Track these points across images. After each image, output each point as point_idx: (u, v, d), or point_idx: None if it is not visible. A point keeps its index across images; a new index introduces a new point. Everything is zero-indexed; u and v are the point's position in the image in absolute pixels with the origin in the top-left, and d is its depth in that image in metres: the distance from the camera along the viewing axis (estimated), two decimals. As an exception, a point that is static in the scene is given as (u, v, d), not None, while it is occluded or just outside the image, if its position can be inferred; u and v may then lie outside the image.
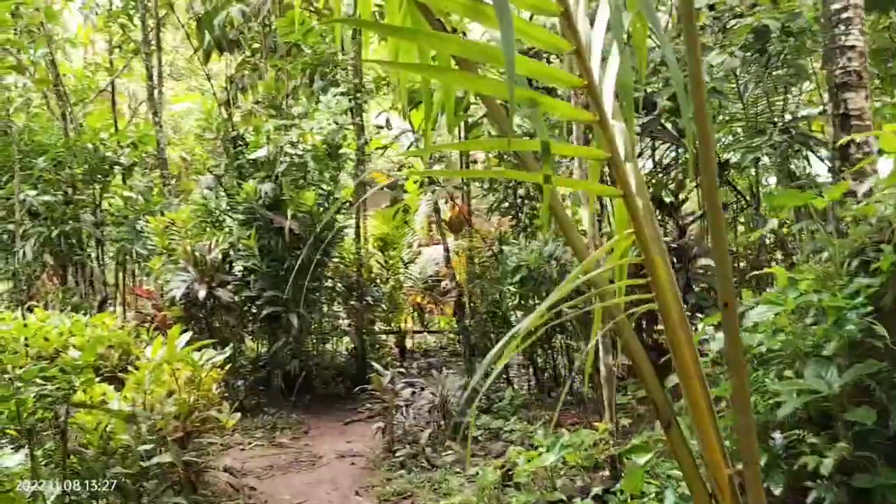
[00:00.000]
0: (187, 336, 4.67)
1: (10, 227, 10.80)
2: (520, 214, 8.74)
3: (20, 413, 3.43)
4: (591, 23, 1.97)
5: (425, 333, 13.43)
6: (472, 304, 9.54)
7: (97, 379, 5.57)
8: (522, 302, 8.83)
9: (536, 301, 8.75)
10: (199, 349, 5.07)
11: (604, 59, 1.93)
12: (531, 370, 9.37)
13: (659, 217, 9.00)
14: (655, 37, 1.81)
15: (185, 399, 4.41)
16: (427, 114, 2.42)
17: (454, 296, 8.86)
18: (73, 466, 3.73)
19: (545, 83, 1.75)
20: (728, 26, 6.66)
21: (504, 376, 9.27)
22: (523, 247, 7.50)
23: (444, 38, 1.67)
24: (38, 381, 3.69)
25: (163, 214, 9.21)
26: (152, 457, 3.85)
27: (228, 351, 5.16)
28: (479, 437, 7.37)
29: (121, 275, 11.44)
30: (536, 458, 4.89)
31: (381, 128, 8.73)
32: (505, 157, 8.63)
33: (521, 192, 8.88)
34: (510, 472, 5.48)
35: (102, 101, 13.24)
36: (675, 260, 8.76)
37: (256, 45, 11.63)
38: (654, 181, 9.05)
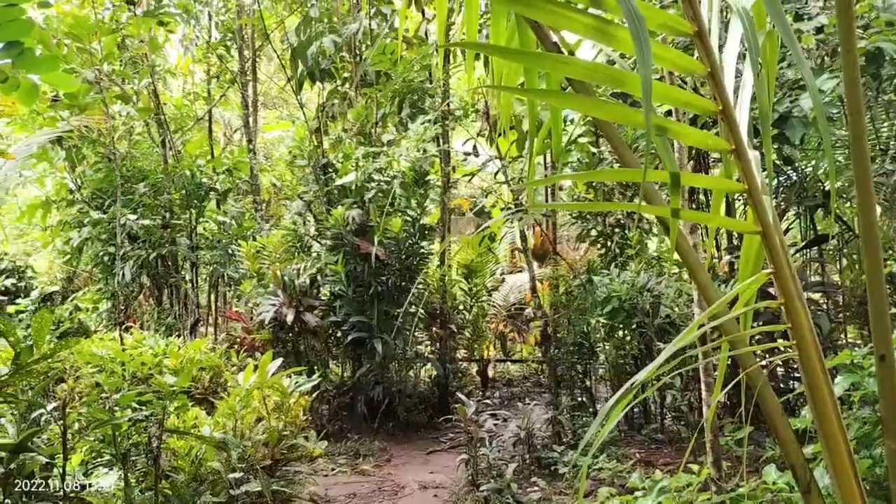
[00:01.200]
0: (278, 362, 4.67)
1: (112, 249, 11.32)
2: (609, 243, 8.48)
3: (115, 436, 3.48)
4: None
5: (507, 363, 13.21)
6: (557, 335, 9.29)
7: (190, 402, 5.67)
8: (611, 334, 8.54)
9: (626, 332, 8.45)
10: (288, 375, 5.08)
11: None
12: (619, 405, 9.00)
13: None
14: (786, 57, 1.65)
15: (273, 427, 4.39)
16: (532, 141, 2.30)
17: (539, 325, 8.65)
18: (165, 491, 3.75)
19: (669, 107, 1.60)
20: (838, 50, 6.27)
21: (590, 410, 8.95)
22: (614, 277, 7.24)
23: (570, 62, 1.54)
24: (134, 405, 3.73)
25: (254, 239, 9.44)
26: (241, 485, 3.83)
27: (317, 378, 5.14)
28: (566, 475, 7.09)
29: (213, 297, 11.78)
30: (632, 503, 4.62)
31: (469, 154, 8.68)
32: (595, 185, 8.41)
33: (610, 220, 8.63)
34: (602, 515, 5.21)
35: (200, 129, 13.79)
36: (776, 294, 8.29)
37: (347, 75, 11.88)
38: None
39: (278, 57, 11.34)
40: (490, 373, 12.05)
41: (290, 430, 4.84)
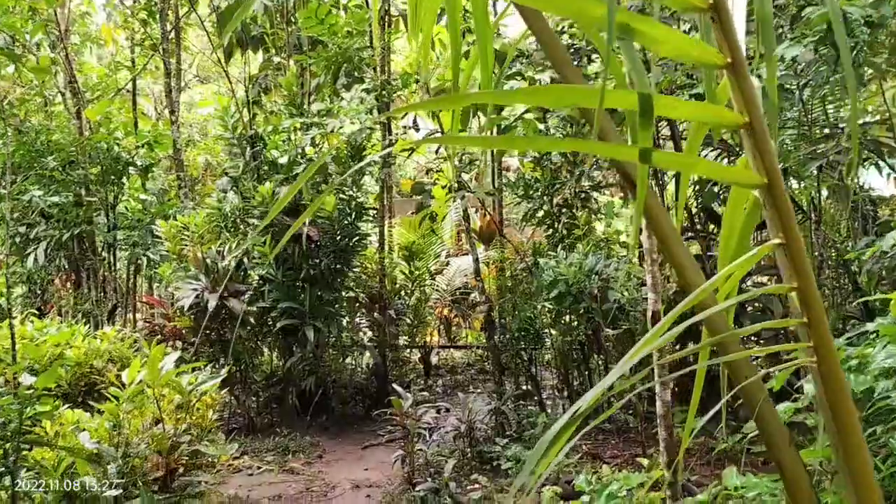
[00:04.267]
0: (174, 356, 4.04)
1: (23, 229, 10.38)
2: (556, 224, 8.02)
3: (-44, 451, 2.82)
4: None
5: (451, 349, 12.72)
6: (502, 320, 8.83)
7: (78, 401, 4.98)
8: (557, 319, 8.10)
9: (572, 318, 8.03)
10: (193, 369, 4.45)
11: None
12: (566, 393, 8.61)
13: (713, 230, 8.22)
14: None
15: (164, 434, 3.77)
16: (463, 110, 1.75)
17: (483, 310, 8.16)
18: (26, 514, 3.11)
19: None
20: (803, 15, 5.88)
21: (535, 399, 8.52)
22: (561, 259, 6.77)
23: None
24: (-10, 409, 3.07)
25: (176, 218, 8.67)
26: (121, 503, 3.21)
27: (224, 373, 4.52)
28: (510, 471, 6.63)
29: (133, 281, 10.94)
30: (578, 510, 4.16)
31: (409, 128, 8.08)
32: (542, 162, 7.93)
33: (557, 200, 8.17)
34: (546, 520, 4.76)
35: (123, 101, 12.84)
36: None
37: (281, 44, 11.12)
38: (704, 190, 8.28)
39: (203, 22, 10.49)
40: (434, 360, 11.55)
41: (194, 433, 4.21)
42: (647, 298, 6.53)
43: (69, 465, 3.29)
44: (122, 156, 9.72)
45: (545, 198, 7.95)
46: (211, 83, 20.37)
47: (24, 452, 3.18)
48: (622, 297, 6.41)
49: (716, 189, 8.24)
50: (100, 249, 10.80)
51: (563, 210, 8.03)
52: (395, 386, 6.98)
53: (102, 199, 9.74)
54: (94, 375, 6.49)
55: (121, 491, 3.18)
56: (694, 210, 8.12)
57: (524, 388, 8.55)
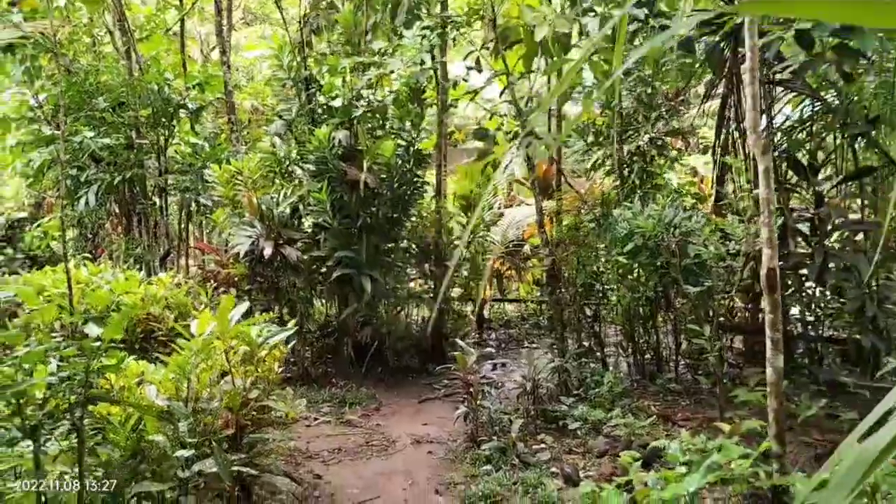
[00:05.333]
0: (243, 306, 3.76)
1: (74, 171, 10.24)
2: (630, 174, 7.54)
3: (20, 404, 2.59)
4: None
5: (504, 303, 12.42)
6: (564, 274, 8.45)
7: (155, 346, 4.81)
8: (624, 275, 7.69)
9: (641, 273, 7.61)
10: (256, 323, 4.18)
11: None
12: (630, 351, 8.24)
13: (794, 181, 7.65)
14: None
15: (235, 390, 3.52)
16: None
17: (547, 263, 7.78)
18: (94, 473, 2.89)
19: None
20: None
21: (599, 356, 8.19)
22: (637, 211, 6.33)
23: None
24: (55, 362, 2.83)
25: (229, 163, 8.41)
26: (193, 463, 2.97)
27: (293, 327, 4.24)
28: (578, 431, 6.34)
29: (185, 226, 10.79)
30: (674, 482, 3.82)
31: (471, 69, 7.60)
32: (615, 104, 7.41)
33: (630, 147, 7.67)
34: (630, 489, 4.44)
35: (171, 43, 12.53)
36: (809, 232, 7.44)
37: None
38: (788, 139, 7.70)
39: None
40: (485, 313, 11.26)
41: (261, 387, 3.97)
42: (732, 253, 6.10)
43: (137, 421, 3.07)
44: (173, 97, 9.44)
45: (616, 145, 7.45)
46: (256, 26, 19.97)
47: (91, 408, 2.96)
48: (704, 252, 5.96)
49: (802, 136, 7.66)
50: (151, 194, 10.65)
51: (635, 158, 7.53)
52: (457, 340, 6.68)
53: (153, 142, 9.51)
54: (151, 322, 6.33)
55: (192, 452, 2.95)
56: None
57: (585, 344, 8.20)
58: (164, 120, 9.65)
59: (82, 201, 10.18)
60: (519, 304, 12.57)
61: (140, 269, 10.26)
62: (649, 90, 7.22)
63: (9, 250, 16.04)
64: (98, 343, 2.70)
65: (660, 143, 7.29)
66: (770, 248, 3.60)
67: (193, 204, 10.33)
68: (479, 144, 14.67)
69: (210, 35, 16.61)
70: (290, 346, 8.20)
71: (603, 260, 7.51)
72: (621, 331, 8.26)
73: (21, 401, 2.60)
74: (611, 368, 8.16)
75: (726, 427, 5.27)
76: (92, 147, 8.93)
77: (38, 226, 14.39)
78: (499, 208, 11.91)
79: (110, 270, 7.07)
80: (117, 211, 11.26)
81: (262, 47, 15.92)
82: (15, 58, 10.08)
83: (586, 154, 7.98)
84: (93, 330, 2.75)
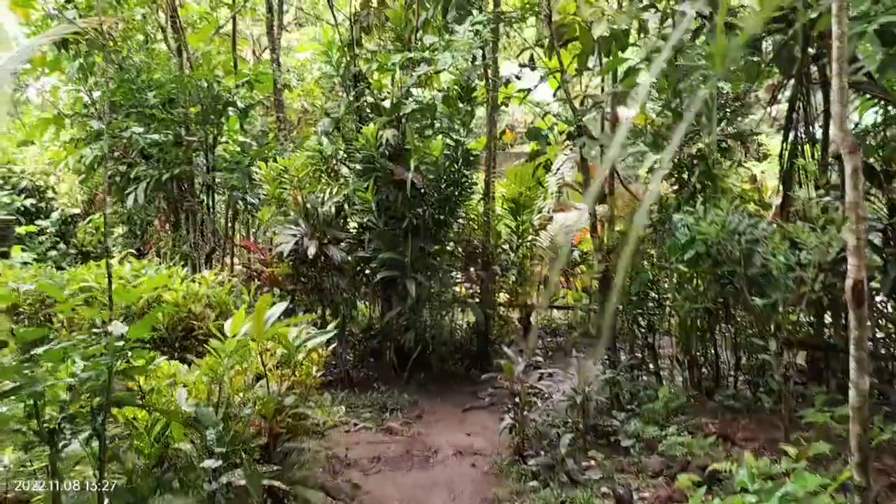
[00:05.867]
0: (282, 306, 3.55)
1: (123, 168, 10.29)
2: (690, 177, 7.14)
3: (37, 406, 2.40)
4: None
5: (551, 310, 12.06)
6: (618, 282, 8.07)
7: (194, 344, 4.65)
8: (683, 283, 7.29)
9: (700, 282, 7.20)
10: (296, 324, 3.97)
11: None
12: (686, 364, 7.81)
13: (867, 188, 7.15)
14: None
15: (269, 397, 3.30)
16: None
17: (599, 270, 7.43)
18: (116, 480, 2.70)
19: None
20: None
21: (652, 369, 7.79)
22: (700, 216, 5.94)
23: None
24: (79, 362, 2.64)
25: (275, 161, 8.29)
26: (221, 475, 2.76)
27: (334, 329, 4.02)
28: (631, 449, 5.98)
29: (231, 225, 10.74)
30: (744, 512, 3.46)
31: (524, 66, 7.32)
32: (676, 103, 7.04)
33: (690, 150, 7.28)
34: (690, 516, 4.10)
35: (223, 42, 12.55)
36: (881, 243, 6.92)
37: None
38: (861, 143, 7.18)
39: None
40: (532, 320, 10.92)
41: (298, 392, 3.75)
42: (802, 264, 5.68)
43: (164, 426, 2.88)
44: (222, 95, 9.38)
45: (676, 147, 7.06)
46: (309, 28, 20.00)
47: (115, 411, 2.77)
48: (771, 262, 5.54)
49: None
50: (198, 191, 10.64)
51: (697, 162, 7.13)
52: (504, 348, 6.39)
53: (201, 140, 9.46)
54: (192, 320, 6.21)
55: (220, 462, 2.73)
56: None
57: (638, 356, 7.81)
58: (212, 117, 9.61)
59: (131, 198, 10.21)
60: (566, 312, 12.19)
61: (186, 267, 10.27)
62: (713, 90, 6.82)
63: (62, 245, 16.33)
64: (121, 343, 2.50)
65: (724, 145, 6.88)
66: (857, 258, 3.23)
67: (240, 202, 10.28)
68: (527, 148, 14.38)
69: (262, 37, 16.66)
70: (331, 348, 8.06)
71: (658, 268, 7.11)
72: (676, 343, 7.83)
73: (39, 402, 2.42)
74: (665, 382, 7.76)
75: (793, 450, 4.87)
76: (141, 143, 8.91)
77: (90, 222, 14.59)
78: (548, 212, 11.56)
79: (154, 267, 6.99)
80: (165, 208, 11.30)
81: (313, 48, 15.90)
82: (69, 54, 10.19)
83: (643, 157, 7.59)
84: (118, 328, 2.56)
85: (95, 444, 2.64)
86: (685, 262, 6.23)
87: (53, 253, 15.81)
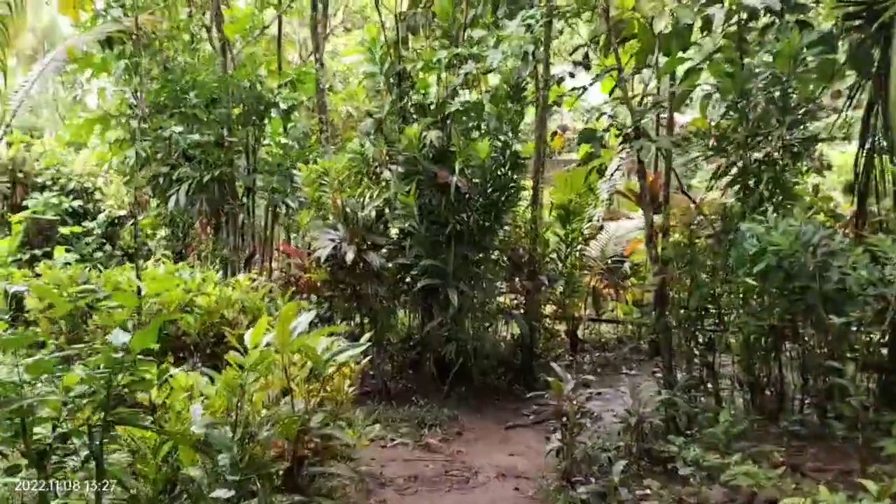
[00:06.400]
0: (309, 315, 3.21)
1: (165, 169, 10.16)
2: (758, 184, 6.62)
3: (24, 424, 2.09)
4: None
5: (599, 323, 11.54)
6: (675, 296, 7.57)
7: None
8: (747, 299, 6.76)
9: (765, 298, 6.65)
10: (329, 334, 3.62)
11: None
12: (748, 386, 7.25)
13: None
14: None
15: (292, 418, 2.94)
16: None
17: (655, 282, 6.93)
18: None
19: None
20: None
21: (712, 390, 7.25)
22: (772, 225, 5.43)
23: None
24: (82, 373, 2.32)
25: (316, 163, 8.01)
26: (234, 507, 2.41)
27: (365, 343, 3.65)
28: (690, 478, 5.48)
29: (271, 229, 10.53)
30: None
31: (579, 64, 6.89)
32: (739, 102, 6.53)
33: (758, 155, 6.75)
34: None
35: (268, 43, 12.41)
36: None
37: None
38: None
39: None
40: (579, 333, 10.43)
41: (328, 409, 3.39)
42: (885, 280, 5.12)
43: (172, 448, 2.56)
44: (265, 95, 9.17)
45: (741, 151, 6.55)
46: (356, 32, 19.86)
47: (120, 429, 2.45)
48: (853, 277, 5.01)
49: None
50: (240, 194, 10.46)
51: (764, 167, 6.59)
52: (552, 364, 5.95)
53: (241, 140, 9.26)
54: (224, 326, 5.93)
55: (233, 492, 2.39)
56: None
57: (695, 375, 7.28)
58: (254, 118, 9.41)
59: (172, 200, 10.06)
60: (616, 325, 11.66)
61: (225, 270, 10.07)
62: (784, 90, 6.29)
63: (108, 247, 16.41)
64: (122, 354, 2.17)
65: (795, 149, 6.33)
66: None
67: (281, 205, 10.05)
68: (574, 156, 13.88)
69: (309, 40, 16.55)
70: (368, 358, 7.74)
71: (722, 281, 6.59)
72: (738, 362, 7.28)
73: (26, 420, 2.11)
74: (725, 404, 7.22)
75: (872, 485, 4.34)
76: (181, 144, 8.74)
77: (134, 223, 14.59)
78: (598, 221, 11.07)
79: (188, 269, 6.75)
80: (207, 210, 11.15)
81: (359, 51, 15.71)
82: (114, 54, 10.12)
83: (706, 162, 7.10)
84: (119, 337, 2.23)
85: (93, 465, 2.31)
86: (753, 276, 5.72)
87: (99, 254, 15.86)
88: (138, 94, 10.88)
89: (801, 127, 6.45)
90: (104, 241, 16.50)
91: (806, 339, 6.88)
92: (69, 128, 14.32)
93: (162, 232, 12.84)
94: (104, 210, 17.20)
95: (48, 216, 13.76)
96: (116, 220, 16.64)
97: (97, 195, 17.51)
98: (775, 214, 5.63)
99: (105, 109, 12.09)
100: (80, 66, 11.08)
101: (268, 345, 2.94)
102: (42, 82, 10.00)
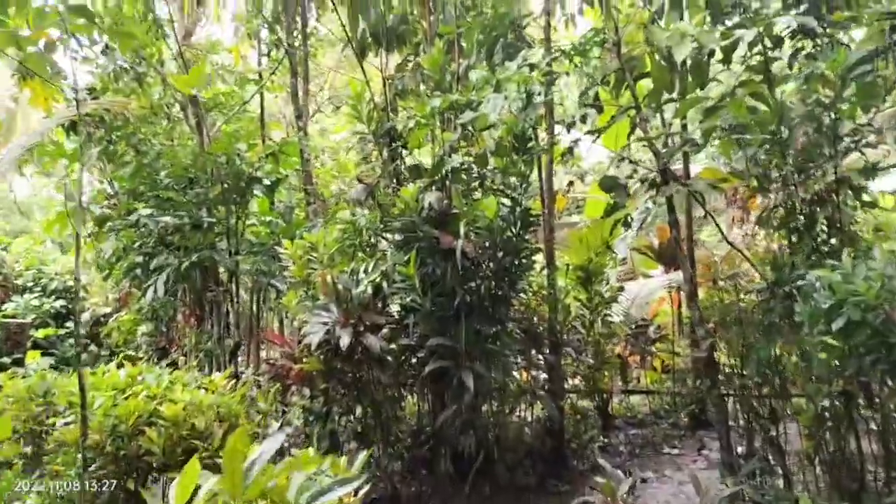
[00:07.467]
0: (273, 443, 2.21)
1: (140, 259, 9.28)
2: (805, 227, 5.71)
3: None
4: None
5: (629, 395, 10.44)
6: (718, 362, 6.57)
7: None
8: (829, 363, 5.73)
9: (832, 363, 5.63)
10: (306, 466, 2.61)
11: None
12: (818, 462, 6.15)
13: None
14: None
15: None
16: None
17: (704, 348, 5.94)
18: None
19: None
20: None
21: (780, 471, 6.15)
22: (849, 272, 4.48)
23: None
24: None
25: (302, 237, 7.13)
26: None
27: (361, 461, 2.63)
28: None
29: (257, 315, 9.56)
30: None
31: (588, 106, 6.10)
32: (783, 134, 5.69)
33: (803, 194, 5.86)
34: None
35: (251, 120, 11.73)
36: None
37: (418, 39, 9.55)
38: None
39: (334, 9, 9.09)
40: (609, 408, 9.32)
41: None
42: None
43: None
44: (245, 170, 8.37)
45: (791, 188, 5.67)
46: (345, 109, 19.41)
47: None
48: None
49: None
50: (226, 280, 9.55)
51: (816, 208, 5.70)
52: (600, 461, 4.89)
53: (220, 220, 8.41)
54: (196, 440, 4.90)
55: None
56: None
57: (763, 456, 6.19)
58: (235, 196, 8.58)
59: (150, 291, 9.14)
60: (645, 397, 10.55)
61: (210, 366, 9.05)
62: (835, 116, 5.46)
63: (93, 347, 15.44)
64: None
65: (855, 183, 5.45)
66: None
67: (268, 288, 9.13)
68: (576, 219, 13.04)
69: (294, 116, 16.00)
70: (373, 457, 6.60)
71: (788, 342, 5.60)
72: (807, 435, 6.20)
73: None
74: (793, 485, 6.11)
75: None
76: (151, 228, 7.88)
77: (115, 320, 13.64)
78: (618, 280, 10.14)
79: (155, 372, 5.75)
80: (190, 300, 10.22)
81: (349, 128, 15.11)
82: (83, 139, 9.40)
83: (711, 214, 6.21)
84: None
85: None
86: (832, 334, 4.73)
87: (85, 356, 14.86)
88: (112, 182, 10.16)
89: (856, 156, 5.61)
90: (88, 341, 15.57)
91: (883, 404, 5.83)
92: (43, 224, 13.56)
93: (144, 328, 11.87)
94: (88, 308, 16.30)
95: (18, 319, 12.77)
96: (101, 318, 15.72)
97: (81, 293, 16.65)
98: (853, 258, 4.68)
99: (79, 201, 11.27)
100: (51, 156, 10.34)
101: (214, 496, 1.95)
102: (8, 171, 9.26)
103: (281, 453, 5.09)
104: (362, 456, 2.63)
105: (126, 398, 5.12)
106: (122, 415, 4.96)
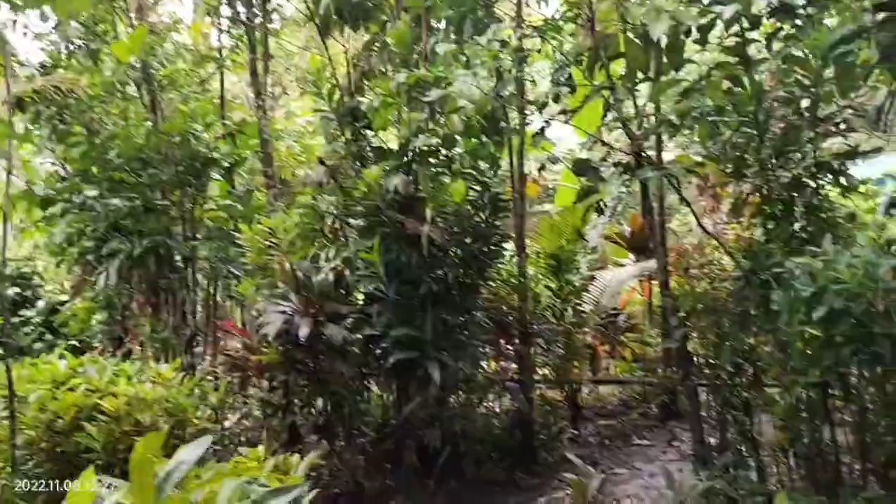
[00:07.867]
0: (197, 448, 1.91)
1: (90, 244, 8.83)
2: (783, 213, 5.53)
3: None
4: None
5: (598, 385, 10.27)
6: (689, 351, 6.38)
7: None
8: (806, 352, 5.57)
9: (808, 352, 5.47)
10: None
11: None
12: (794, 455, 6.01)
13: None
14: None
15: None
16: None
17: (677, 338, 5.74)
18: None
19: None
20: None
21: (750, 458, 6.00)
22: (833, 257, 4.29)
23: None
24: None
25: (260, 223, 6.78)
26: None
27: (299, 482, 2.34)
28: None
29: (214, 303, 9.18)
30: None
31: (561, 85, 5.83)
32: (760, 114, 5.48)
33: (782, 176, 5.67)
34: None
35: (210, 101, 11.26)
36: None
37: (385, 18, 9.18)
38: None
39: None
40: (578, 400, 9.12)
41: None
42: None
43: None
44: (201, 151, 7.96)
45: (767, 172, 5.47)
46: (312, 93, 18.92)
47: None
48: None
49: None
50: (183, 266, 9.14)
51: (794, 192, 5.51)
52: (569, 455, 4.66)
53: (174, 202, 8.00)
54: (138, 436, 4.55)
55: None
56: None
57: (737, 447, 6.03)
58: (190, 178, 8.17)
59: (102, 278, 8.72)
60: (615, 387, 10.40)
61: (165, 356, 8.66)
62: (815, 97, 5.27)
63: (49, 336, 14.87)
64: None
65: (836, 166, 5.27)
66: None
67: (227, 275, 8.76)
68: (548, 206, 12.80)
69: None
70: (335, 452, 6.29)
71: (765, 331, 5.42)
72: (781, 427, 6.05)
73: None
74: (767, 478, 5.96)
75: None
76: (99, 210, 7.46)
77: (69, 309, 13.11)
78: (588, 269, 9.92)
79: (98, 363, 5.38)
80: (145, 287, 9.78)
81: (312, 105, 14.64)
82: (26, 115, 8.90)
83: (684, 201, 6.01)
84: None
85: None
86: (813, 323, 4.54)
87: (40, 345, 14.28)
88: (65, 163, 9.67)
89: (837, 140, 5.44)
90: (44, 330, 14.99)
91: (860, 395, 5.70)
92: (-7, 208, 12.94)
93: (98, 316, 11.39)
94: (43, 296, 15.71)
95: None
96: (58, 306, 15.14)
97: (36, 280, 16.09)
98: (835, 245, 4.49)
99: (31, 184, 10.74)
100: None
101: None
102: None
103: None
104: (304, 463, 2.33)
105: (66, 392, 4.76)
106: (59, 409, 4.60)
